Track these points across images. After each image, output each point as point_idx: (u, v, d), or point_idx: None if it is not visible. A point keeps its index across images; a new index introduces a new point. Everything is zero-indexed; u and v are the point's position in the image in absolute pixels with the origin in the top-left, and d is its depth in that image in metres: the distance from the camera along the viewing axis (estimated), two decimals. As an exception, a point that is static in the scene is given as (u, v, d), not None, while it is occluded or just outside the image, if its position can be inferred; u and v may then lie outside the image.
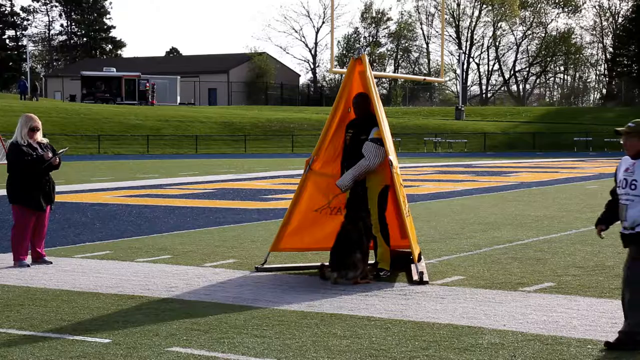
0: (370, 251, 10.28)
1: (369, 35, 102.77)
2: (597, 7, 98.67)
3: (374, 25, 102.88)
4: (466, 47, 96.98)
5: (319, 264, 10.38)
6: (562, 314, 8.04)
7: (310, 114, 65.24)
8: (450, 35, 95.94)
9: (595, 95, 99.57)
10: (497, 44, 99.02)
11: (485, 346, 6.95)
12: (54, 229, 14.12)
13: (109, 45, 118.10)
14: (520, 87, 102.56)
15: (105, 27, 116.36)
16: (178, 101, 77.22)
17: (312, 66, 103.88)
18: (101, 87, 71.82)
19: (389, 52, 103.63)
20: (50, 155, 10.94)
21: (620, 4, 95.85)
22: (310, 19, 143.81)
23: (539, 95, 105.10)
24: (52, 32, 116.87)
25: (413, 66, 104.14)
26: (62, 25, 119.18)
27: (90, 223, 15.49)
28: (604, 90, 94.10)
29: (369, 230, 9.97)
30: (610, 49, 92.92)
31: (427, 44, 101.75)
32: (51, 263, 10.97)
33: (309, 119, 61.27)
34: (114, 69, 74.67)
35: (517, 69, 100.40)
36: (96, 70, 77.10)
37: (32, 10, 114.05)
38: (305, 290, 9.28)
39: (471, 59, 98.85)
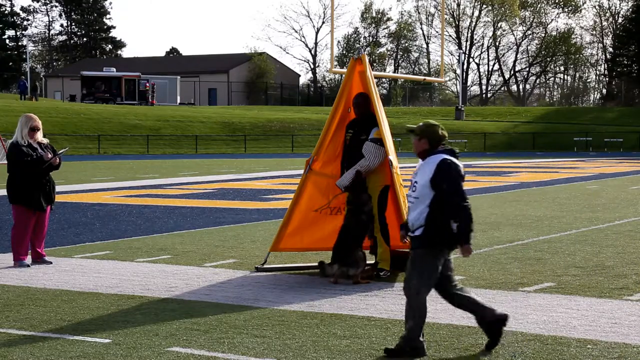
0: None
1: (369, 35, 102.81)
2: (597, 7, 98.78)
3: (374, 25, 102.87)
4: (466, 47, 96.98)
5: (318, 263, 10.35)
6: (562, 314, 8.04)
7: (310, 114, 65.22)
8: (450, 35, 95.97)
9: (595, 95, 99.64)
10: (497, 44, 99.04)
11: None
12: (54, 229, 14.12)
13: (109, 45, 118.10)
14: (520, 87, 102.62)
15: (105, 27, 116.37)
16: (178, 101, 77.19)
17: (312, 66, 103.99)
18: (101, 87, 71.75)
19: (389, 52, 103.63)
20: (50, 155, 10.94)
21: (620, 4, 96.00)
22: (310, 19, 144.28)
23: (539, 95, 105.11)
24: (52, 32, 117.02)
25: (413, 66, 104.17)
26: (62, 25, 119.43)
27: (90, 223, 15.49)
28: (604, 90, 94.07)
29: (371, 214, 9.94)
30: (610, 49, 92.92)
31: (427, 44, 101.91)
32: (51, 263, 10.97)
33: (309, 119, 61.25)
34: (114, 69, 74.59)
35: (517, 69, 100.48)
36: (96, 70, 77.03)
37: (32, 10, 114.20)
38: (305, 290, 9.28)
39: (471, 59, 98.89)
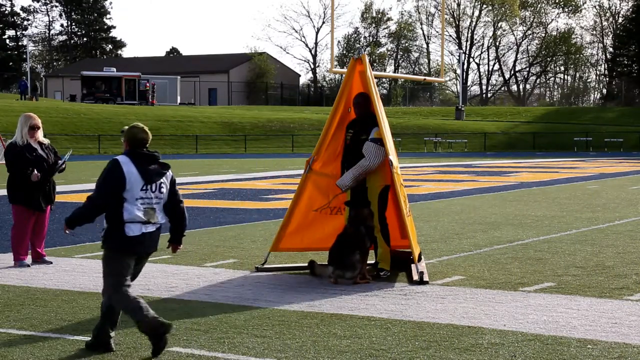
0: (370, 251, 10.28)
1: (369, 35, 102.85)
2: (597, 7, 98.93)
3: (374, 25, 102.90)
4: (466, 47, 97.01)
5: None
6: (562, 314, 8.04)
7: (310, 114, 65.24)
8: (450, 35, 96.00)
9: (595, 95, 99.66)
10: (497, 44, 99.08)
11: (485, 346, 6.95)
12: (54, 229, 14.10)
13: (109, 45, 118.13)
14: (521, 87, 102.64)
15: (105, 27, 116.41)
16: (178, 101, 77.21)
17: (312, 66, 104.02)
18: (101, 87, 71.74)
19: (389, 52, 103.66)
20: (38, 175, 10.73)
21: (620, 4, 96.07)
22: (310, 19, 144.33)
23: (539, 95, 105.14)
24: (52, 32, 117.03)
25: (413, 66, 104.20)
26: (62, 25, 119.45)
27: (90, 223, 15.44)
28: (604, 90, 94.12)
29: (372, 231, 9.95)
30: (610, 49, 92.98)
31: (427, 44, 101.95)
32: (51, 263, 10.97)
33: (309, 119, 61.26)
34: (114, 69, 74.58)
35: (517, 69, 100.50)
36: (96, 70, 77.02)
37: (32, 10, 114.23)
38: (305, 290, 9.28)
39: (471, 59, 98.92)
